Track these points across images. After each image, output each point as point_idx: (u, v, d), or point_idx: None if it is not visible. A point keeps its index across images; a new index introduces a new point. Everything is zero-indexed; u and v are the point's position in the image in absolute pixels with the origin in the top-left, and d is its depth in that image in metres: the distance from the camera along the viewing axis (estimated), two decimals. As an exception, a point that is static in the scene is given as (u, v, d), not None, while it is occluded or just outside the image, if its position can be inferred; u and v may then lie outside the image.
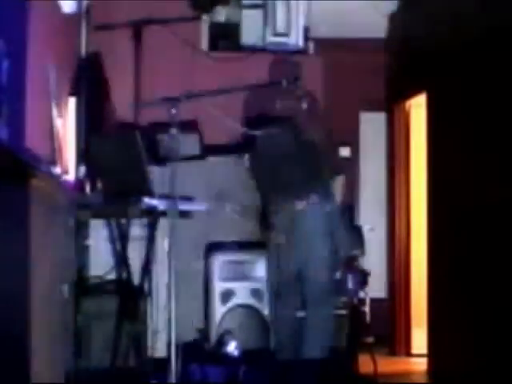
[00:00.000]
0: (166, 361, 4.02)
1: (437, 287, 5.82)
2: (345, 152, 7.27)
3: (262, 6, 6.50)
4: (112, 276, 5.27)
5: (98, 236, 5.42)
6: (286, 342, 5.19)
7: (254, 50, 6.51)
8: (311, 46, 6.44)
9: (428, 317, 5.99)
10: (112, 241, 5.34)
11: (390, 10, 6.93)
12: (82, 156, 5.38)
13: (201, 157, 5.88)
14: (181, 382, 4.11)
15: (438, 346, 5.79)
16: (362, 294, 5.85)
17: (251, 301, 5.63)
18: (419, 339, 6.57)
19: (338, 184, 4.70)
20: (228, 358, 5.51)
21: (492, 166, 4.95)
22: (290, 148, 4.87)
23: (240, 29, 6.68)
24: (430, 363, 5.94)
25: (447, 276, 5.61)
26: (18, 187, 3.37)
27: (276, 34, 6.31)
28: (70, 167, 5.18)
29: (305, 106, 4.67)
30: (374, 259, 6.55)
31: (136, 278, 5.02)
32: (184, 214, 4.86)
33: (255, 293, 5.61)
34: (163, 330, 5.21)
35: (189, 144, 5.74)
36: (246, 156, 5.40)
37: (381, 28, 7.06)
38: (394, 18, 6.98)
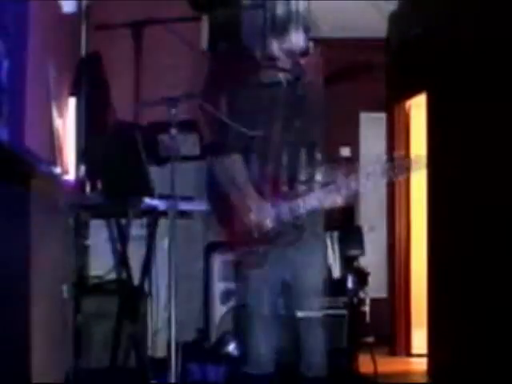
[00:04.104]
0: (165, 361, 4.02)
1: (437, 287, 5.82)
2: (345, 152, 7.27)
3: (262, 6, 6.49)
4: (112, 276, 5.27)
5: (98, 236, 5.42)
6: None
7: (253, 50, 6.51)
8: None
9: (428, 317, 5.99)
10: (112, 241, 5.34)
11: (390, 10, 6.94)
12: (82, 156, 5.38)
13: (201, 157, 5.88)
14: (181, 382, 4.10)
15: (438, 345, 5.79)
16: (362, 294, 5.85)
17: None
18: (419, 339, 6.57)
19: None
20: (228, 358, 5.51)
21: (492, 165, 4.95)
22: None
23: (240, 29, 6.68)
24: (429, 363, 5.94)
25: (447, 276, 5.61)
26: (18, 187, 3.37)
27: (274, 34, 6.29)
28: (69, 167, 5.18)
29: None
30: (374, 259, 6.55)
31: (136, 278, 5.03)
32: (184, 214, 4.86)
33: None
34: (163, 329, 5.22)
35: (189, 144, 5.74)
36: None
37: (381, 28, 7.05)
38: (393, 18, 6.98)
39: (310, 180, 4.44)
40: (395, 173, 4.34)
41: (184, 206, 4.79)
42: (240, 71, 5.44)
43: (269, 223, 4.37)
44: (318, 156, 4.50)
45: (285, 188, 4.41)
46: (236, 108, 4.56)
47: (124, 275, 5.07)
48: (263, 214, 4.38)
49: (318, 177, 4.45)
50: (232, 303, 5.72)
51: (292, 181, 4.42)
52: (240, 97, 4.56)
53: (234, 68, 6.18)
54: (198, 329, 5.80)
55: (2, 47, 3.69)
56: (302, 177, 4.44)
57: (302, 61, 4.56)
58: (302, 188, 4.42)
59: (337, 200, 4.33)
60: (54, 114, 4.82)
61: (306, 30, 4.58)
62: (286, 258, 4.43)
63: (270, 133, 4.45)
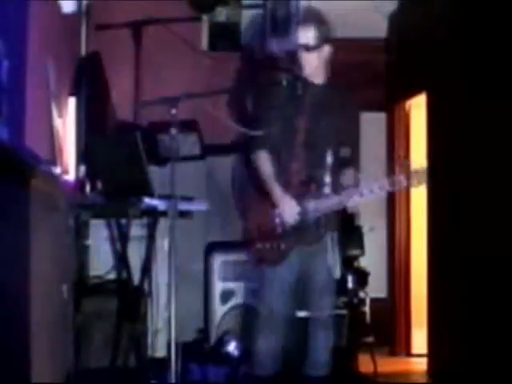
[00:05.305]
0: (165, 361, 4.03)
1: (437, 287, 5.81)
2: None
3: (262, 6, 6.50)
4: (112, 276, 5.27)
5: (98, 236, 5.42)
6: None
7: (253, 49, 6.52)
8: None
9: (428, 317, 5.98)
10: (112, 241, 5.34)
11: (390, 10, 6.94)
12: (82, 156, 5.38)
13: (201, 157, 5.88)
14: (181, 382, 4.10)
15: (438, 345, 5.78)
16: (362, 294, 5.85)
17: (251, 301, 5.63)
18: (419, 339, 6.57)
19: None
20: (228, 357, 5.51)
21: (493, 164, 4.95)
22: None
23: (240, 29, 6.69)
24: (429, 363, 5.94)
25: (447, 276, 5.60)
26: (18, 187, 3.37)
27: (276, 34, 6.31)
28: (70, 167, 5.18)
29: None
30: (374, 259, 6.55)
31: (136, 278, 5.03)
32: (184, 214, 4.87)
33: (255, 293, 5.60)
34: (163, 329, 5.22)
35: (189, 144, 5.74)
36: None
37: (381, 28, 7.06)
38: (393, 18, 6.98)
39: (330, 181, 4.47)
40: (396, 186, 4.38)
41: (184, 205, 4.80)
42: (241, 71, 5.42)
43: (292, 220, 4.40)
44: (330, 158, 4.52)
45: (305, 188, 4.44)
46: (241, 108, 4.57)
47: (124, 275, 5.07)
48: (288, 211, 4.39)
49: (347, 181, 4.46)
50: (232, 303, 5.72)
51: (311, 181, 4.45)
52: (244, 96, 4.59)
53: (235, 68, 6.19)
54: (198, 329, 5.80)
55: (1, 47, 3.69)
56: (324, 178, 4.47)
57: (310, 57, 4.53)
58: (322, 189, 4.45)
59: (355, 200, 4.38)
60: (54, 113, 4.82)
61: (318, 26, 4.56)
62: (299, 258, 4.44)
63: (272, 132, 4.45)
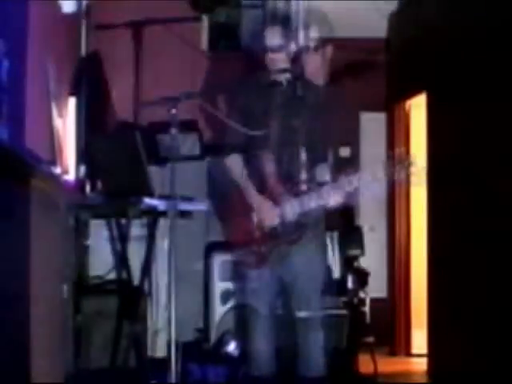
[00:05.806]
0: (165, 361, 4.02)
1: (437, 287, 5.82)
2: (345, 152, 7.27)
3: (262, 6, 6.50)
4: (112, 276, 5.27)
5: (98, 236, 5.42)
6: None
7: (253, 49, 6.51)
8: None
9: (428, 317, 5.99)
10: (112, 241, 5.34)
11: (390, 10, 6.94)
12: (82, 156, 5.38)
13: (201, 157, 5.88)
14: (181, 382, 4.10)
15: (438, 346, 5.79)
16: (362, 294, 5.85)
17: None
18: (419, 339, 6.57)
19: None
20: (228, 357, 5.50)
21: (493, 164, 4.95)
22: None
23: (240, 29, 6.69)
24: (429, 363, 5.94)
25: (447, 276, 5.61)
26: (18, 187, 3.37)
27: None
28: (70, 167, 5.18)
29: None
30: (374, 259, 6.55)
31: (136, 278, 5.03)
32: (184, 214, 4.86)
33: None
34: (163, 329, 5.22)
35: (189, 144, 5.74)
36: None
37: (381, 28, 7.06)
38: (393, 18, 6.98)
39: (312, 179, 4.43)
40: (396, 172, 4.34)
41: (184, 206, 4.79)
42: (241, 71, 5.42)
43: (272, 222, 4.35)
44: (321, 156, 4.49)
45: (288, 187, 4.39)
46: (238, 108, 4.54)
47: (124, 275, 5.07)
48: (266, 213, 4.35)
49: (320, 176, 4.43)
50: (232, 303, 5.72)
51: (295, 180, 4.41)
52: (242, 96, 4.55)
53: (235, 68, 6.19)
54: (198, 329, 5.79)
55: (1, 47, 3.69)
56: (305, 176, 4.42)
57: (307, 58, 4.54)
58: (304, 187, 4.40)
59: (339, 199, 4.31)
60: (54, 113, 4.82)
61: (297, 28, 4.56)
62: (287, 258, 4.41)
63: (271, 132, 4.43)
